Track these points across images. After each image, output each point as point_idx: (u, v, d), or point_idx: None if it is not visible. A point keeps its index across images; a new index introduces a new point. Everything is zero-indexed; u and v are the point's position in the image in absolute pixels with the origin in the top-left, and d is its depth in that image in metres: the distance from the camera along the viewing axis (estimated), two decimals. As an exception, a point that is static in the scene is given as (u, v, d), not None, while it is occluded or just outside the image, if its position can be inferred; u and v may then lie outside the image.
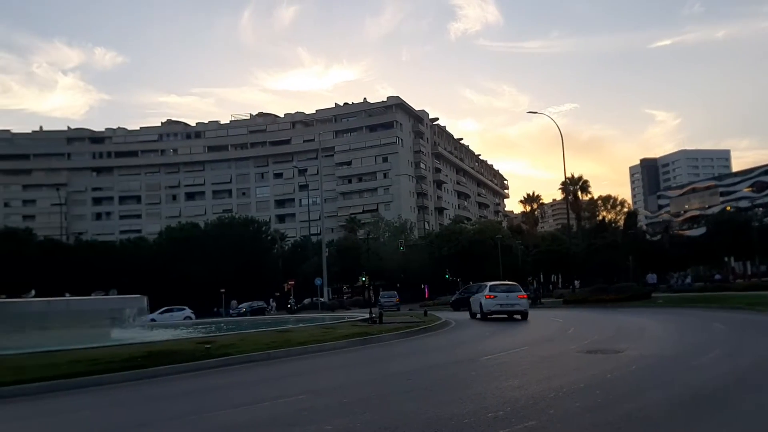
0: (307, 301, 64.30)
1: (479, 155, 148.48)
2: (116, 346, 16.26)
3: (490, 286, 28.08)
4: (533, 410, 7.21)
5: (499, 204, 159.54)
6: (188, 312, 50.82)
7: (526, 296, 28.05)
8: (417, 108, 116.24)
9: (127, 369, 12.46)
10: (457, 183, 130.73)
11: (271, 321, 32.64)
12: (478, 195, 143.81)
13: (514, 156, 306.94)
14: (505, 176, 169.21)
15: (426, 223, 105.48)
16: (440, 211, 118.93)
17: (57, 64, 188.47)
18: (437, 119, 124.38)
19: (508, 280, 34.72)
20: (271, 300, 64.49)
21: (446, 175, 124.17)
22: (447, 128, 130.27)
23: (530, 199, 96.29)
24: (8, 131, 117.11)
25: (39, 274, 56.96)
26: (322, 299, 60.38)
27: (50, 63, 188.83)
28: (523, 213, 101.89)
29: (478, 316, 28.33)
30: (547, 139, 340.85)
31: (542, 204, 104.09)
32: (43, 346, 15.98)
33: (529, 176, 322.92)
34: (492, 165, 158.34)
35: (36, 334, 18.95)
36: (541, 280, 78.81)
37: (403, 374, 11.23)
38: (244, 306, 57.99)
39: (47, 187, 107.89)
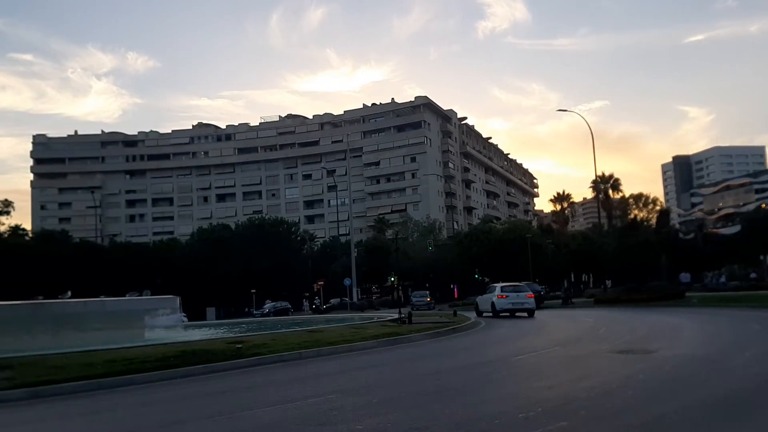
0: (334, 301, 64.44)
1: (508, 154, 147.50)
2: (150, 346, 16.53)
3: (501, 287, 30.10)
4: (565, 411, 7.16)
5: (528, 203, 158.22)
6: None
7: (533, 296, 30.16)
8: (445, 107, 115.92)
9: (161, 368, 12.68)
10: (486, 182, 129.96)
11: (301, 321, 32.80)
12: (508, 194, 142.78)
13: (543, 154, 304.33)
14: (534, 175, 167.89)
15: (455, 223, 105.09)
16: (469, 210, 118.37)
17: (91, 69, 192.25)
18: (465, 118, 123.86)
19: (537, 280, 35.12)
20: (305, 300, 64.71)
21: (475, 175, 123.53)
22: (475, 127, 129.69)
23: (560, 197, 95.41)
24: (44, 135, 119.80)
25: (75, 276, 58.20)
26: (346, 299, 60.60)
27: (84, 68, 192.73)
28: (554, 212, 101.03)
29: (487, 314, 29.77)
30: (578, 137, 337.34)
31: (573, 203, 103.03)
32: (80, 346, 16.33)
33: (559, 175, 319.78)
34: (521, 164, 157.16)
35: (73, 335, 19.36)
36: (572, 279, 77.96)
37: (433, 374, 11.23)
38: (267, 307, 58.38)
39: (82, 190, 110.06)
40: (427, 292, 58.37)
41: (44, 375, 11.79)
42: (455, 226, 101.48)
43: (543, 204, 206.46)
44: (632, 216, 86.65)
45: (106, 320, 20.93)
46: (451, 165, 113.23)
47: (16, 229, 77.34)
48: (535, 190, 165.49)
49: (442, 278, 73.70)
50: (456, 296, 70.21)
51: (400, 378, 11.30)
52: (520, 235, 69.89)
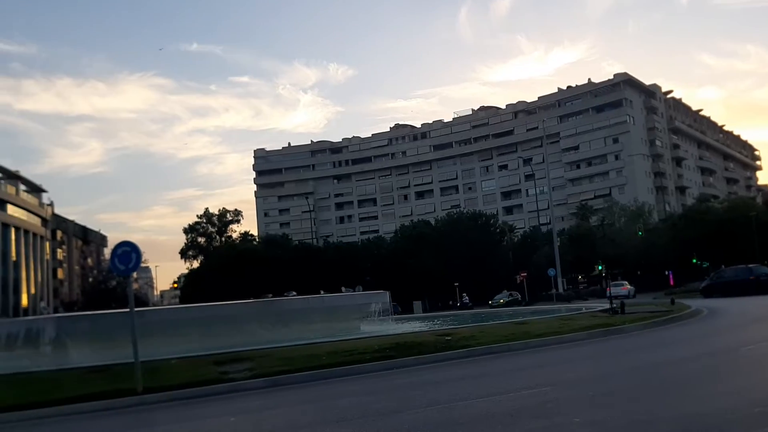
0: (502, 296, 60.52)
1: (723, 126, 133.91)
2: (366, 338, 17.60)
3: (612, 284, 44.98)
4: (809, 407, 6.49)
5: (750, 178, 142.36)
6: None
7: (626, 287, 49.96)
8: (647, 82, 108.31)
9: (378, 359, 13.52)
10: (699, 158, 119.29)
11: (511, 313, 32.71)
12: (725, 170, 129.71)
13: (767, 123, 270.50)
14: (755, 146, 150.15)
15: (666, 205, 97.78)
16: (681, 190, 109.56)
17: (298, 84, 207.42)
18: (671, 92, 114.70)
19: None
20: (464, 295, 63.02)
21: (686, 151, 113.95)
22: (683, 100, 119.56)
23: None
24: (263, 149, 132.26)
25: (295, 275, 63.53)
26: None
27: (292, 84, 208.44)
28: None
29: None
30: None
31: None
32: (304, 339, 17.89)
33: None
34: (739, 135, 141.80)
35: (297, 328, 21.24)
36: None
37: (651, 366, 10.71)
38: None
39: (297, 196, 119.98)
40: (624, 282, 55.25)
41: (277, 366, 13.14)
42: (667, 208, 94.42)
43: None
44: None
45: (325, 315, 22.68)
46: (658, 143, 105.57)
47: (245, 236, 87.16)
48: (758, 162, 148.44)
49: (655, 265, 68.88)
50: (672, 283, 65.25)
51: (615, 370, 10.93)
52: (742, 214, 63.21)
